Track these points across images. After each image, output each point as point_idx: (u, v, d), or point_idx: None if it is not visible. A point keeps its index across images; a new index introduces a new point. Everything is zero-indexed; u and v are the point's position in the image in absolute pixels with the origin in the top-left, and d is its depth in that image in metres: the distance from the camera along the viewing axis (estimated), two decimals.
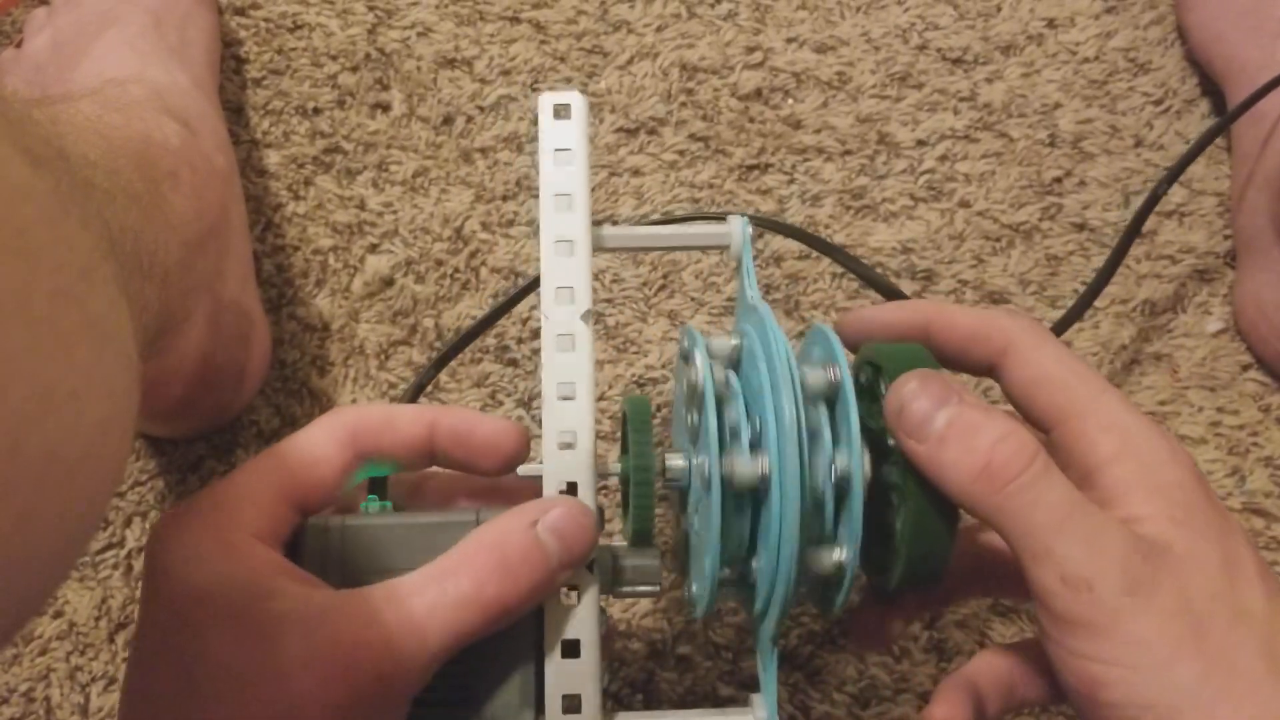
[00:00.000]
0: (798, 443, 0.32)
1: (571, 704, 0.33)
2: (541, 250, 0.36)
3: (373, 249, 0.60)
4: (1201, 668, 0.30)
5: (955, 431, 0.32)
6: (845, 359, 0.34)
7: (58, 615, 0.53)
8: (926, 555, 0.34)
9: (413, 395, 0.49)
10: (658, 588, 0.36)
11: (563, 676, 0.33)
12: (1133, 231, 0.54)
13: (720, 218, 0.39)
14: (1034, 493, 0.31)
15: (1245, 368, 0.58)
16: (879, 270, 0.59)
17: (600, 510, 0.35)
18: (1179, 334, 0.59)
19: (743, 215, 0.38)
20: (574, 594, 0.34)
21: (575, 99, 0.37)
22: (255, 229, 0.59)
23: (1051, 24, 0.66)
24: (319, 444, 0.36)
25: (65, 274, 0.24)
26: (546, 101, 0.37)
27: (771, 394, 0.33)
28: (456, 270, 0.59)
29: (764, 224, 0.52)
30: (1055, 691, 0.36)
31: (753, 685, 0.51)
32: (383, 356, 0.58)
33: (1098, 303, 0.59)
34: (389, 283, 0.59)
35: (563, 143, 0.36)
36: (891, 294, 0.48)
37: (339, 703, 0.30)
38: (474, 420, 0.37)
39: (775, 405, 0.32)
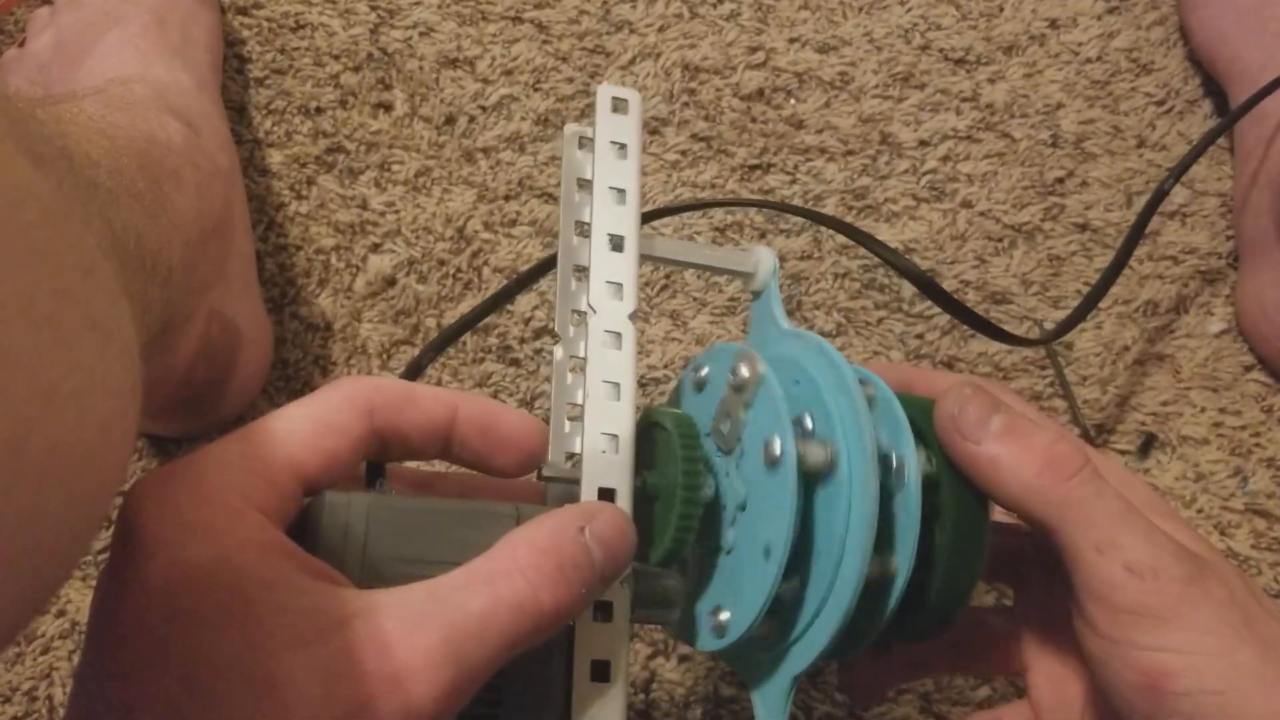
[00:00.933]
0: (867, 429, 0.31)
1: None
2: (592, 242, 0.34)
3: (375, 249, 0.60)
4: (1259, 652, 0.31)
5: (1012, 432, 0.33)
6: (879, 378, 0.35)
7: (60, 614, 0.53)
8: (963, 568, 0.34)
9: (410, 375, 0.44)
10: (677, 612, 0.34)
11: (590, 700, 0.31)
12: (1137, 232, 0.54)
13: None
14: (1095, 486, 0.32)
15: (1248, 368, 0.58)
16: (883, 272, 0.59)
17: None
18: (1181, 334, 0.59)
19: (771, 249, 0.38)
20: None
21: (633, 95, 0.36)
22: (258, 228, 0.60)
23: (1054, 24, 0.66)
24: (336, 410, 0.31)
25: (68, 274, 0.24)
26: (605, 93, 0.36)
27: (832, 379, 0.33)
28: (459, 270, 0.59)
29: (805, 215, 0.51)
30: None
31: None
32: (385, 356, 0.58)
33: (1100, 303, 0.59)
34: (391, 282, 0.59)
35: (619, 137, 0.35)
36: (923, 283, 0.47)
37: None
38: (498, 410, 0.34)
39: (838, 389, 0.33)
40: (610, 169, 0.35)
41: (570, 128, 0.36)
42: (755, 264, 0.37)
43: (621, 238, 0.34)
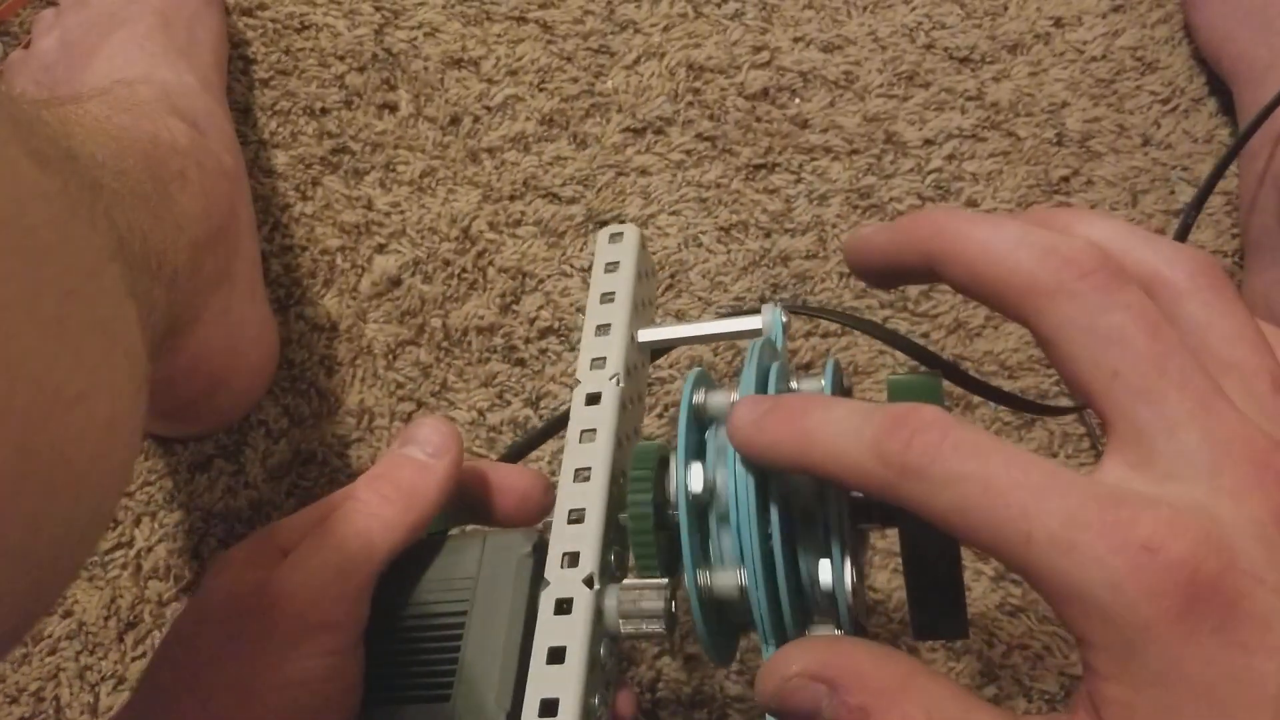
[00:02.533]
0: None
1: (549, 708, 0.32)
2: (583, 334, 0.39)
3: (380, 249, 0.60)
4: None
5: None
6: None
7: (67, 615, 0.53)
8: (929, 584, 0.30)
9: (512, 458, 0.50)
10: (660, 625, 0.34)
11: (544, 681, 0.33)
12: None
13: (754, 310, 0.39)
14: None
15: None
16: None
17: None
18: None
19: (776, 305, 0.38)
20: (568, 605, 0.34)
21: (629, 231, 0.41)
22: (263, 229, 0.60)
23: (1059, 23, 0.65)
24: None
25: (74, 275, 0.25)
26: (604, 233, 0.41)
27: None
28: (464, 270, 0.59)
29: (807, 312, 0.52)
30: None
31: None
32: (390, 356, 0.58)
33: None
34: (396, 283, 0.59)
35: (613, 258, 0.41)
36: (930, 362, 0.46)
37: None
38: (486, 469, 0.42)
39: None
40: (604, 280, 0.40)
41: (602, 232, 0.41)
42: (762, 324, 0.38)
43: (609, 325, 0.39)
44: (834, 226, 0.60)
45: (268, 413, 0.56)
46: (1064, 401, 0.58)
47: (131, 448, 0.27)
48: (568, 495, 0.36)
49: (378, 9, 0.65)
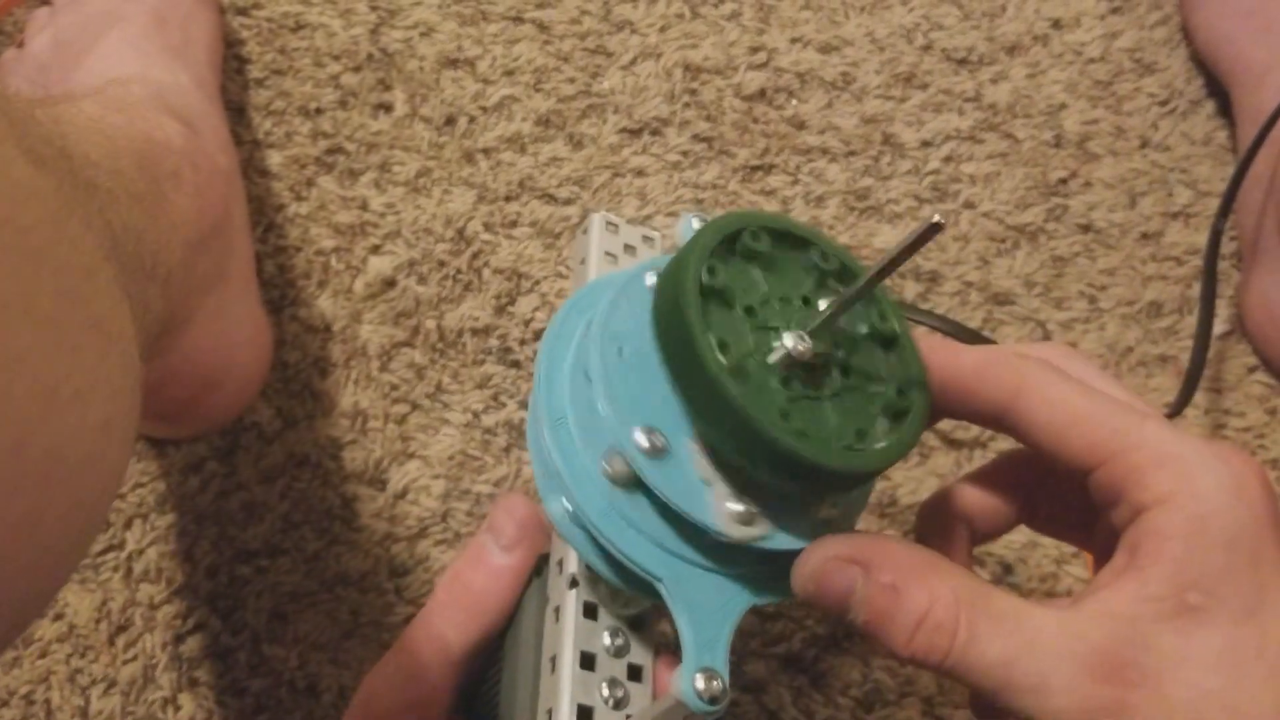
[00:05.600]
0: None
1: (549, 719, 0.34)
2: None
3: (375, 250, 0.60)
4: None
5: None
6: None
7: (58, 618, 0.53)
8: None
9: None
10: (649, 604, 0.35)
11: (546, 691, 0.34)
12: (1210, 282, 0.56)
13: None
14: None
15: (1251, 369, 0.58)
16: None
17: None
18: (1185, 336, 0.59)
19: (692, 216, 0.37)
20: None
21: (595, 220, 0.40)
22: (257, 230, 0.59)
23: (1057, 24, 0.65)
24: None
25: (68, 275, 0.24)
26: (596, 221, 0.40)
27: None
28: (459, 271, 0.59)
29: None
30: (1027, 511, 0.35)
31: (755, 687, 0.51)
32: (385, 358, 0.58)
33: (1103, 304, 0.59)
34: (391, 284, 0.59)
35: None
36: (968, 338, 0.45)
37: None
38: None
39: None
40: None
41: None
42: (679, 236, 0.36)
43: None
44: (831, 228, 0.60)
45: (261, 414, 0.56)
46: None
47: (125, 449, 0.27)
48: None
49: (373, 8, 0.65)
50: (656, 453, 0.30)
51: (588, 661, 0.34)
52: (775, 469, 0.29)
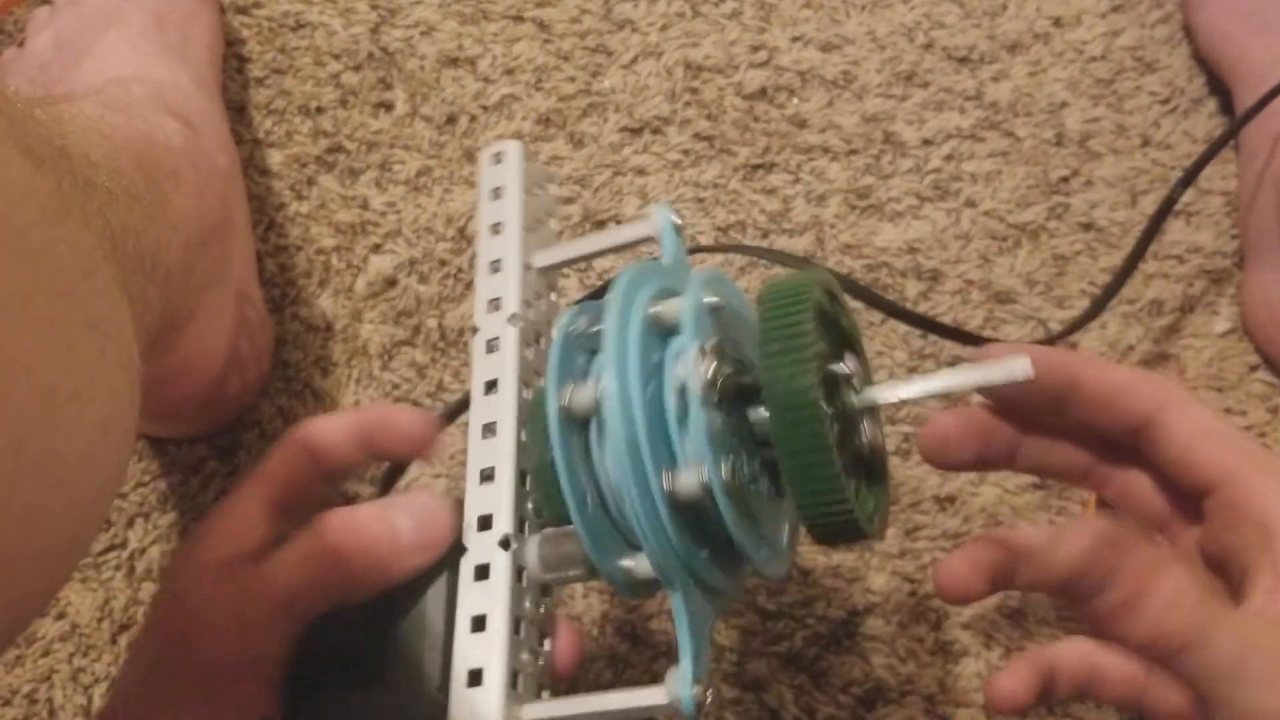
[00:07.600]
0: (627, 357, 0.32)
1: (476, 678, 0.33)
2: (476, 272, 0.39)
3: (376, 249, 0.60)
4: None
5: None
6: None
7: (60, 616, 0.53)
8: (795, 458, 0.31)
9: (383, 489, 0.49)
10: (580, 570, 0.34)
11: (469, 651, 0.33)
12: (1146, 238, 0.55)
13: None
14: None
15: (1253, 368, 0.58)
16: (885, 272, 0.59)
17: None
18: (1186, 334, 0.59)
19: (666, 205, 0.38)
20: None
21: (512, 148, 0.41)
22: (258, 229, 0.59)
23: (1058, 22, 0.65)
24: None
25: (67, 274, 0.24)
26: (484, 155, 0.41)
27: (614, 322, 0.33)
28: (460, 270, 0.59)
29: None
30: (1134, 696, 0.37)
31: (755, 686, 0.51)
32: (386, 357, 0.58)
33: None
34: (392, 283, 0.59)
35: (497, 183, 0.40)
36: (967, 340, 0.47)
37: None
38: (391, 412, 0.40)
39: (614, 328, 0.32)
40: (490, 210, 0.40)
41: (484, 151, 0.41)
42: (656, 227, 0.37)
43: (500, 260, 0.39)
44: (832, 227, 0.60)
45: (262, 413, 0.56)
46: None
47: (125, 448, 0.27)
48: (477, 453, 0.35)
49: (374, 7, 0.65)
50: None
51: (515, 625, 0.34)
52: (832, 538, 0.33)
